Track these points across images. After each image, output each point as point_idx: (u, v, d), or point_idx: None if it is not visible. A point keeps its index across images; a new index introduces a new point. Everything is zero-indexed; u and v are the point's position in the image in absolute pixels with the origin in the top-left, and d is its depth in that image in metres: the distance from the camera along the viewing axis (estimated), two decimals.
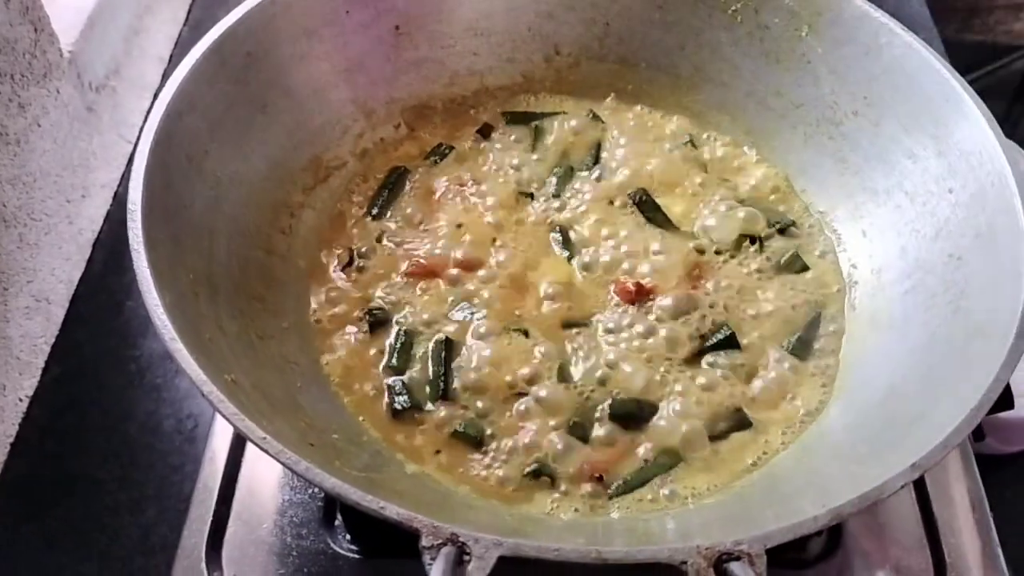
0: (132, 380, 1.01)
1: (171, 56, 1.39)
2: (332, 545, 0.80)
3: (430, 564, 0.53)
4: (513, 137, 1.01)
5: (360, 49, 0.95)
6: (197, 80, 0.80)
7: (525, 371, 0.81)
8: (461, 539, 0.54)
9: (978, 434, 0.85)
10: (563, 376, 0.81)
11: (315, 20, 0.90)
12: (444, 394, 0.80)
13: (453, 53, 1.00)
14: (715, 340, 0.83)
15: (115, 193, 1.18)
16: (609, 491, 0.75)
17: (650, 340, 0.83)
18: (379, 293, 0.87)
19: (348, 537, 0.81)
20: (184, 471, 0.93)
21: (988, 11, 1.85)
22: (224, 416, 0.59)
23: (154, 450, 0.95)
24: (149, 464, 0.94)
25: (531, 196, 0.95)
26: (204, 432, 0.94)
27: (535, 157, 0.98)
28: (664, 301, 0.85)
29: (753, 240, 0.90)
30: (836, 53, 0.90)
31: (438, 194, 0.95)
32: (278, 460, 0.58)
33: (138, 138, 1.21)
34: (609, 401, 0.79)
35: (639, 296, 0.86)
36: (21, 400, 0.97)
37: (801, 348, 0.84)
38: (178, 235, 0.73)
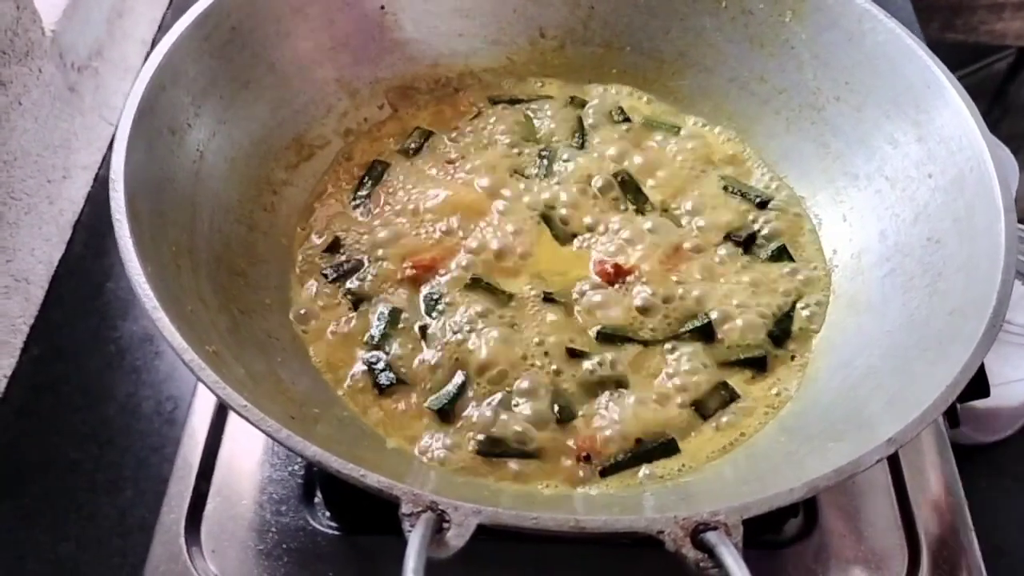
0: (111, 362, 1.01)
1: (154, 39, 1.38)
2: (312, 522, 0.80)
3: (410, 530, 0.53)
4: (497, 120, 1.00)
5: (345, 28, 0.95)
6: (181, 53, 0.80)
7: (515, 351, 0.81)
8: (440, 507, 0.54)
9: (954, 422, 0.86)
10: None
11: None
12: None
13: (438, 34, 1.00)
14: (690, 327, 0.84)
15: (96, 175, 1.18)
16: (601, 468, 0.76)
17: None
18: (362, 272, 0.87)
19: (328, 514, 0.81)
20: (163, 453, 0.93)
21: (971, 11, 1.87)
22: (205, 384, 0.59)
23: (133, 431, 0.95)
24: (127, 445, 0.94)
25: (522, 176, 0.95)
26: (183, 415, 0.93)
27: (520, 141, 0.98)
28: (642, 288, 0.86)
29: (740, 242, 0.90)
30: (819, 39, 0.91)
31: (428, 173, 0.96)
32: (259, 428, 0.58)
33: (120, 119, 1.23)
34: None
35: (617, 276, 0.86)
36: (0, 379, 0.97)
37: (779, 331, 0.84)
38: (160, 207, 0.73)
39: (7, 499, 0.90)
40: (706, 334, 0.83)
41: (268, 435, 0.58)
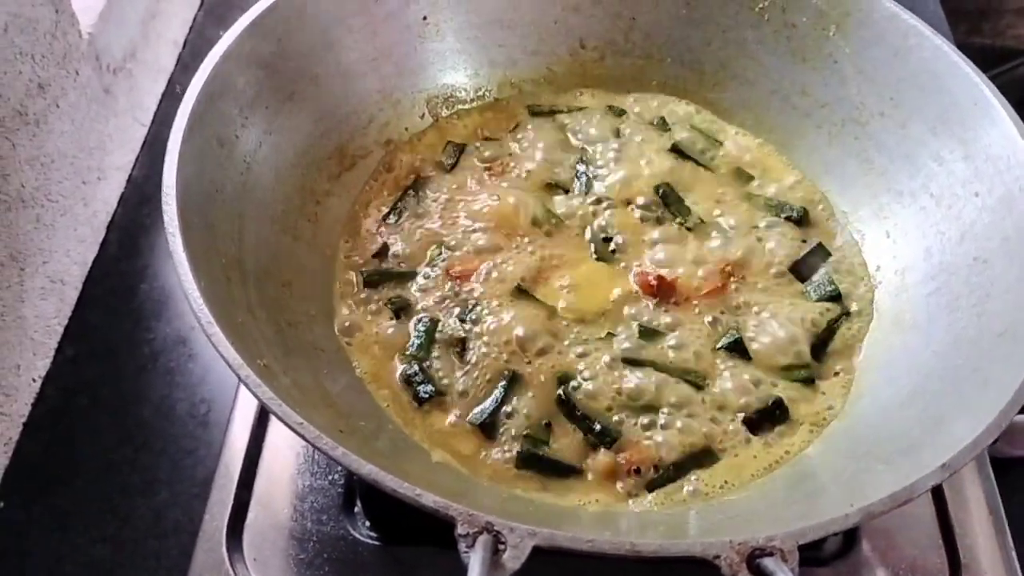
0: (145, 363, 1.01)
1: (185, 41, 1.39)
2: (352, 531, 0.81)
3: (466, 552, 0.53)
4: (536, 131, 1.00)
5: (388, 39, 0.95)
6: (229, 65, 0.80)
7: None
8: (496, 528, 0.54)
9: None
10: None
11: (345, 9, 0.91)
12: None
13: (479, 44, 1.01)
14: (724, 342, 0.84)
15: (129, 176, 1.18)
16: (647, 483, 0.76)
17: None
18: (403, 282, 0.88)
19: (368, 524, 0.82)
20: (197, 455, 0.93)
21: (998, 15, 1.86)
22: (261, 401, 0.59)
23: (167, 434, 0.95)
24: (162, 448, 0.94)
25: (563, 190, 0.95)
26: (217, 417, 0.94)
27: (559, 153, 0.98)
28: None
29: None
30: (864, 54, 0.90)
31: (468, 185, 0.96)
32: (315, 445, 0.58)
33: (152, 121, 1.23)
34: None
35: (661, 290, 0.86)
36: (35, 380, 0.97)
37: (821, 347, 0.84)
38: (210, 219, 0.73)
39: (42, 501, 0.90)
40: (739, 350, 0.83)
41: (324, 452, 0.58)
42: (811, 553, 0.80)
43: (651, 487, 0.76)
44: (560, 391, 0.80)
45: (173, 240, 0.66)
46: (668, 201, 0.93)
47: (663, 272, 0.87)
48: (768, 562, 0.53)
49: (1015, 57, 1.94)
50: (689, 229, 0.92)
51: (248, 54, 0.82)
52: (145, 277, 1.09)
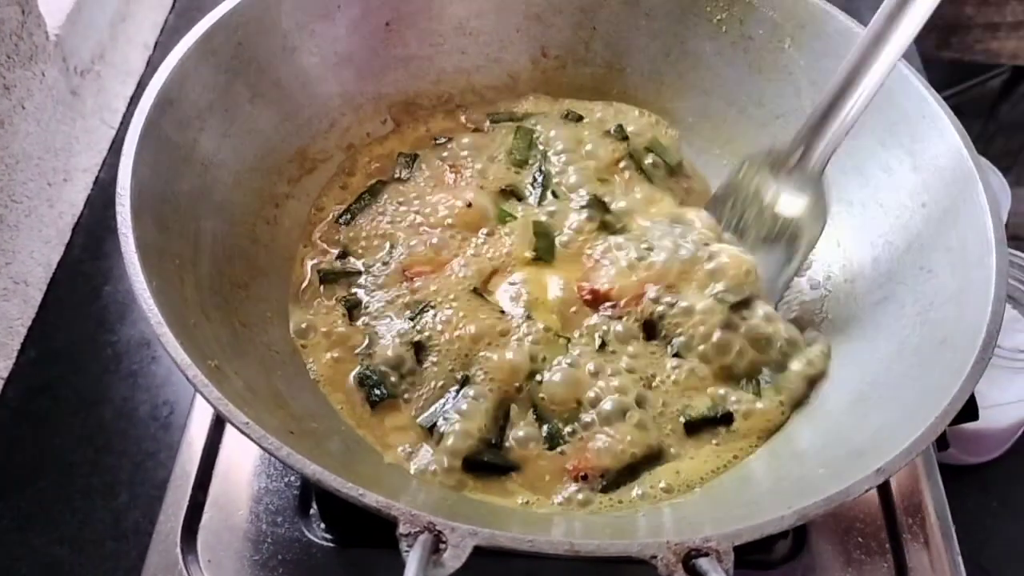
0: (108, 365, 1.01)
1: (156, 43, 1.39)
2: (307, 533, 0.81)
3: (407, 551, 0.54)
4: (496, 137, 1.01)
5: (350, 44, 0.96)
6: (187, 67, 0.80)
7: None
8: (437, 527, 0.55)
9: (942, 444, 0.87)
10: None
11: (307, 14, 0.91)
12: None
13: (441, 51, 1.01)
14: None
15: (96, 178, 1.19)
16: (596, 488, 0.76)
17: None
18: (359, 281, 0.88)
19: (323, 526, 0.82)
20: (158, 458, 0.94)
21: (966, 29, 1.88)
22: (208, 400, 0.60)
23: (128, 436, 0.96)
24: (123, 449, 0.95)
25: (517, 197, 0.96)
26: (179, 420, 0.94)
27: (515, 158, 0.99)
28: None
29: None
30: (817, 66, 0.92)
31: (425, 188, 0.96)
32: (260, 445, 0.59)
33: (121, 124, 1.23)
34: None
35: (596, 302, 0.86)
36: None
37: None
38: (165, 221, 0.74)
39: (2, 501, 0.90)
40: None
41: (269, 452, 0.59)
42: (760, 556, 0.82)
43: (604, 490, 0.76)
44: (515, 391, 0.80)
45: (125, 241, 0.67)
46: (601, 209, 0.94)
47: (598, 285, 0.87)
48: (703, 562, 0.54)
49: (983, 71, 1.97)
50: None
51: (206, 57, 0.82)
52: (110, 279, 1.09)
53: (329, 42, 0.94)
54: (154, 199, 0.73)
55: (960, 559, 0.83)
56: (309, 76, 0.93)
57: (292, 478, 0.85)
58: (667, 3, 0.99)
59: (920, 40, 1.43)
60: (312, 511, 0.83)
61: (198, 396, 0.87)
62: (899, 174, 0.85)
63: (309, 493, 0.84)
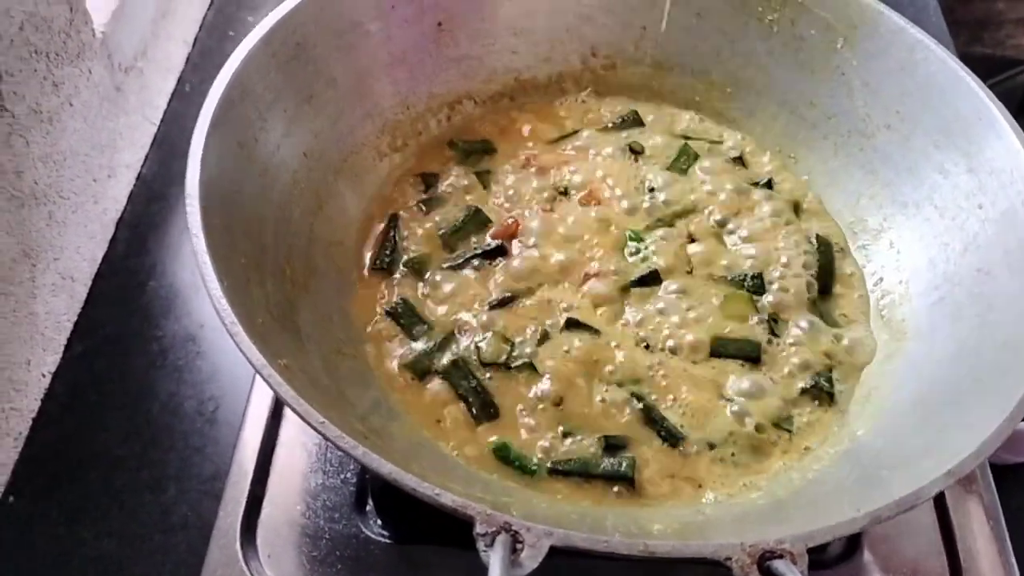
0: (154, 360, 1.02)
1: (195, 39, 1.40)
2: (364, 529, 0.82)
3: (485, 551, 0.54)
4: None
5: (403, 44, 0.97)
6: (250, 68, 0.81)
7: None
8: (514, 527, 0.55)
9: None
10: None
11: (362, 14, 0.92)
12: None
13: (493, 51, 1.02)
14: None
15: (139, 174, 1.19)
16: None
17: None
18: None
19: (379, 522, 0.83)
20: (204, 452, 0.94)
21: (997, 25, 1.87)
22: (285, 400, 0.60)
23: (175, 431, 0.96)
24: (170, 444, 0.95)
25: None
26: (225, 415, 0.95)
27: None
28: None
29: None
30: (870, 66, 0.92)
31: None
32: (336, 444, 0.59)
33: (162, 120, 1.24)
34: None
35: None
36: (44, 376, 0.98)
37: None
38: (231, 221, 0.74)
39: (51, 495, 0.91)
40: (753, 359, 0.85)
41: (344, 451, 0.59)
42: (815, 557, 0.81)
43: None
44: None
45: (197, 242, 0.67)
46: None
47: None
48: (779, 564, 0.54)
49: (1014, 66, 1.96)
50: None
51: (267, 59, 0.83)
52: (154, 274, 1.10)
53: (383, 42, 0.95)
54: (221, 200, 0.73)
55: (1014, 559, 0.83)
56: (363, 76, 0.94)
57: (348, 474, 0.85)
58: (719, 3, 0.99)
59: (953, 36, 1.44)
60: (368, 507, 0.84)
61: (253, 392, 0.89)
62: (954, 176, 0.85)
63: (366, 489, 0.84)
